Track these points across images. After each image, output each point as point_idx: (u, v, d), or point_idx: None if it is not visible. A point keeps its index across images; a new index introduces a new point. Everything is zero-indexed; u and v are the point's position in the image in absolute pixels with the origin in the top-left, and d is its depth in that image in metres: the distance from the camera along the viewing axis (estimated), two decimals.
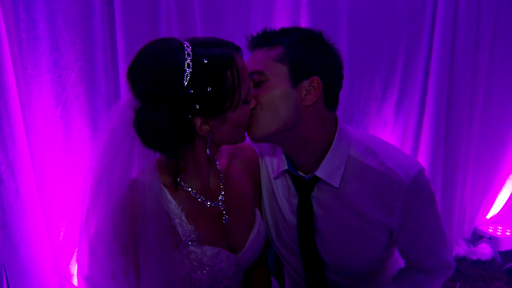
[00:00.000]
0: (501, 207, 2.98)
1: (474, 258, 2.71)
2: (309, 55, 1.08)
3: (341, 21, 2.26)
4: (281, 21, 2.15)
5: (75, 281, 2.02)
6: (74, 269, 1.59)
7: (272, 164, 1.27)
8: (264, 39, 1.11)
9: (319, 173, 1.15)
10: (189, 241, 1.01)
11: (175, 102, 0.90)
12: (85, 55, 1.92)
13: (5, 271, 1.87)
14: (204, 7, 2.02)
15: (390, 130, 2.51)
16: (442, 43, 2.42)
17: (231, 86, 0.94)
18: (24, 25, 1.83)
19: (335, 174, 1.14)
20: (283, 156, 1.21)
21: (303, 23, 2.17)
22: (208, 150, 1.00)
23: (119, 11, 1.89)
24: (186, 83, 0.89)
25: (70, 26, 1.88)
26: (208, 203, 1.08)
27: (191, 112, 0.92)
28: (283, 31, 1.12)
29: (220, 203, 1.11)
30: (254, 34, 1.14)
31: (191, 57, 0.90)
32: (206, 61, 0.91)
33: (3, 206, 1.85)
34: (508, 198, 2.95)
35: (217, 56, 0.93)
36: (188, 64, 0.89)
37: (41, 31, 1.86)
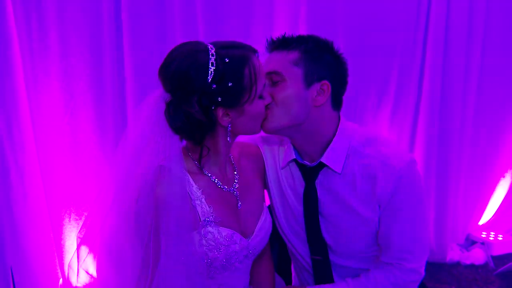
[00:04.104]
0: (493, 213, 3.05)
1: (468, 262, 2.78)
2: (322, 62, 1.22)
3: (338, 30, 2.35)
4: (281, 30, 2.23)
5: (80, 281, 2.05)
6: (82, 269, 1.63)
7: (279, 156, 1.39)
8: (283, 44, 1.23)
9: (323, 159, 1.27)
10: (207, 222, 1.13)
11: (201, 95, 1.04)
12: (93, 63, 1.97)
13: (12, 274, 1.90)
14: (207, 25, 2.08)
15: None
16: (434, 53, 2.51)
17: (248, 82, 1.07)
18: (35, 34, 1.88)
19: (337, 161, 1.27)
20: (291, 147, 1.33)
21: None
22: (229, 138, 1.14)
23: (126, 21, 1.95)
24: (210, 79, 1.03)
25: (79, 35, 1.93)
26: (225, 187, 1.20)
27: (214, 104, 1.05)
28: (300, 38, 1.25)
29: (234, 190, 1.23)
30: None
31: (214, 57, 1.04)
32: (227, 60, 1.04)
33: (12, 211, 1.88)
34: (500, 204, 3.01)
35: (236, 56, 1.06)
36: (212, 63, 1.03)
37: (51, 40, 1.91)
